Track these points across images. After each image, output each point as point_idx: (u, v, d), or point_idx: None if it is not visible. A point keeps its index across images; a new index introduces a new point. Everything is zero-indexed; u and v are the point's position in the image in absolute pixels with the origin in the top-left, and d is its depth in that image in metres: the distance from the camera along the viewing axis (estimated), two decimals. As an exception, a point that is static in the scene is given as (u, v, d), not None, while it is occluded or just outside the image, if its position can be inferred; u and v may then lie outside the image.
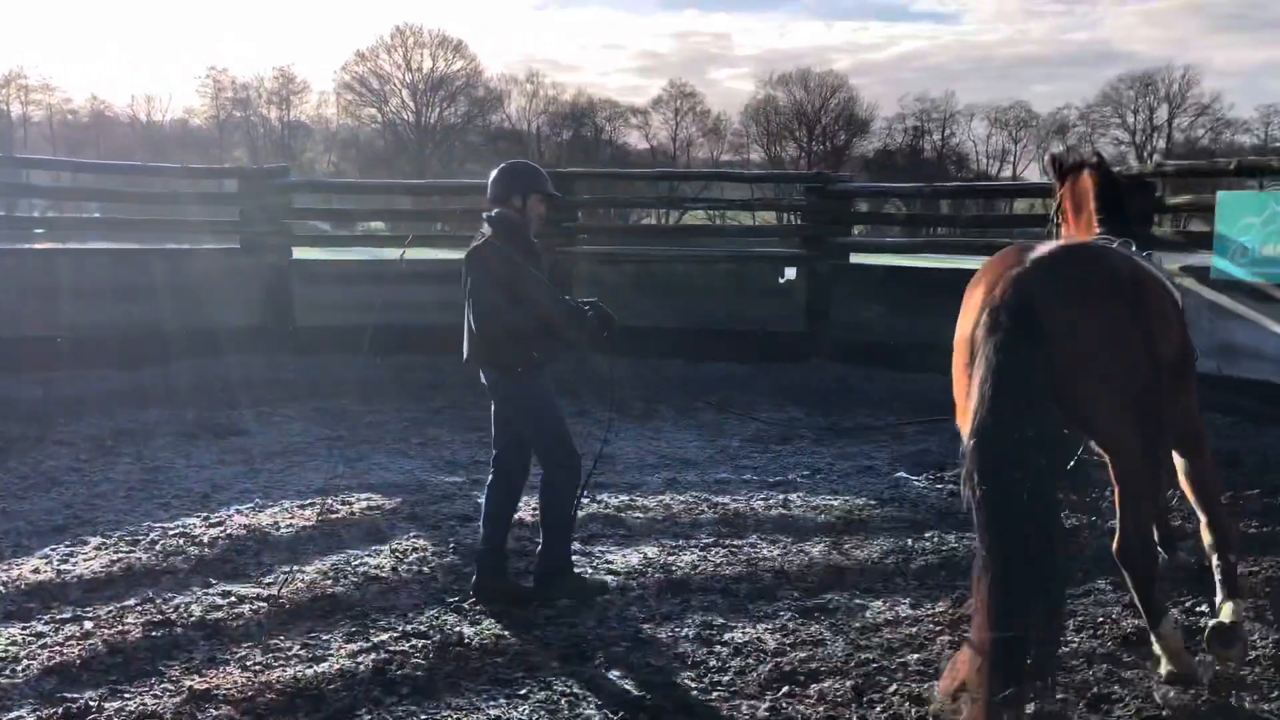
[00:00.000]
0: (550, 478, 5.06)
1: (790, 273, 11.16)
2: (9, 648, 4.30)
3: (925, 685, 4.04)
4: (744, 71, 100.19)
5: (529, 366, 4.99)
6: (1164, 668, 3.98)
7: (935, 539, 5.78)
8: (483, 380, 5.12)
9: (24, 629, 4.48)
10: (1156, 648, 4.01)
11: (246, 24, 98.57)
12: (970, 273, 12.41)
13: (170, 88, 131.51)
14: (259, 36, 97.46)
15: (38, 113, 66.69)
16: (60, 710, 3.78)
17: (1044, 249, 4.13)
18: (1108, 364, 3.81)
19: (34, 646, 4.31)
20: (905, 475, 7.07)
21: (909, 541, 5.74)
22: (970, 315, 4.03)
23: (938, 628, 4.61)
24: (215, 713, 3.79)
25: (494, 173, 5.21)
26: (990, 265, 4.21)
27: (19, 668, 4.13)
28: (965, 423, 3.84)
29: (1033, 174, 67.42)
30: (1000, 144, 69.28)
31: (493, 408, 5.17)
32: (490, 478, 5.17)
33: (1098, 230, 5.16)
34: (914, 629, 4.60)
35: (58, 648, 4.30)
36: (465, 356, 5.15)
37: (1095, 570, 5.24)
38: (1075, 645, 4.37)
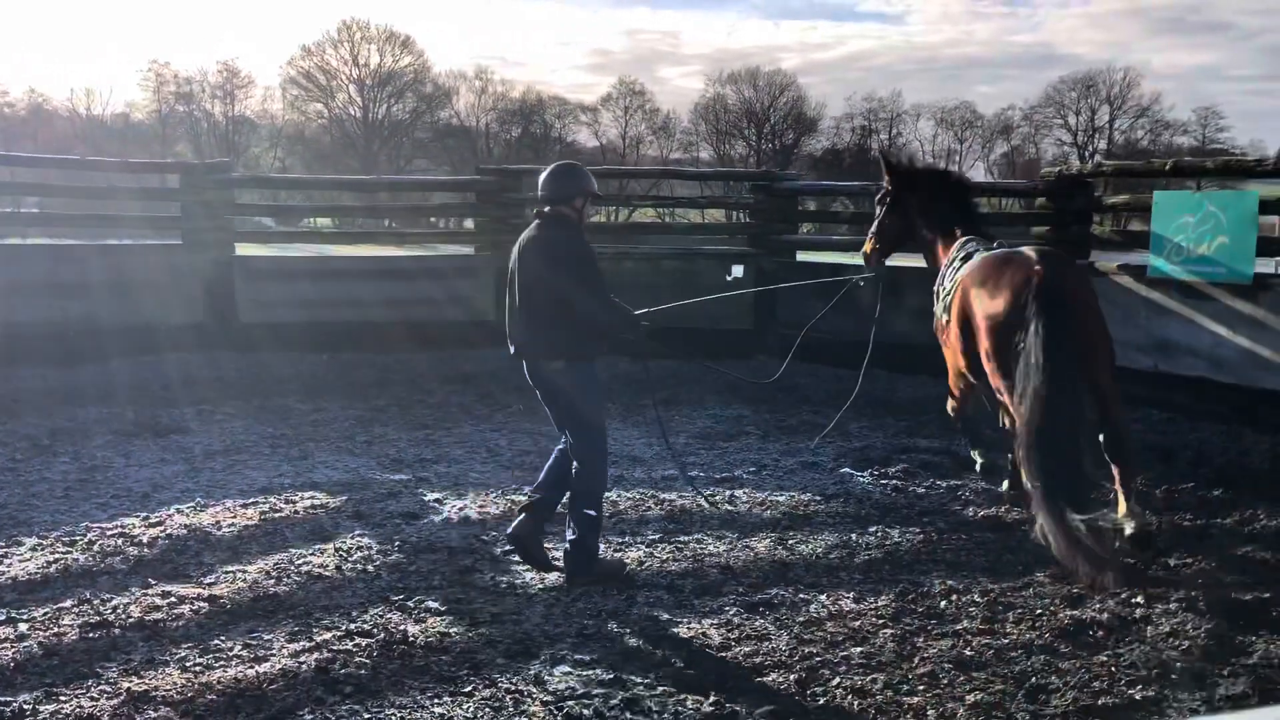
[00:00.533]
0: (591, 465, 5.22)
1: (737, 270, 11.21)
2: (-61, 651, 4.20)
3: (868, 678, 4.09)
4: (693, 70, 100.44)
5: (592, 356, 5.33)
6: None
7: (879, 534, 5.84)
8: (531, 370, 5.30)
9: (-45, 632, 4.39)
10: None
11: (189, 16, 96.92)
12: (917, 270, 12.53)
13: (111, 81, 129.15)
14: (202, 29, 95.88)
15: (-29, 105, 65.12)
16: (-7, 714, 3.71)
17: (1034, 250, 5.63)
18: (1105, 333, 5.54)
19: (-34, 649, 4.23)
20: (850, 471, 7.14)
21: (853, 536, 5.80)
22: (1001, 303, 5.42)
23: (880, 621, 4.66)
24: (154, 714, 3.74)
25: (553, 173, 5.44)
26: (993, 266, 5.64)
27: (-50, 671, 4.04)
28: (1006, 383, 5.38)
29: (978, 173, 68.36)
30: (946, 144, 70.13)
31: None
32: (560, 449, 5.37)
33: (959, 231, 6.55)
34: (857, 623, 4.65)
35: (-10, 651, 4.22)
36: (516, 348, 5.32)
37: (1035, 564, 5.33)
38: (1014, 637, 4.44)
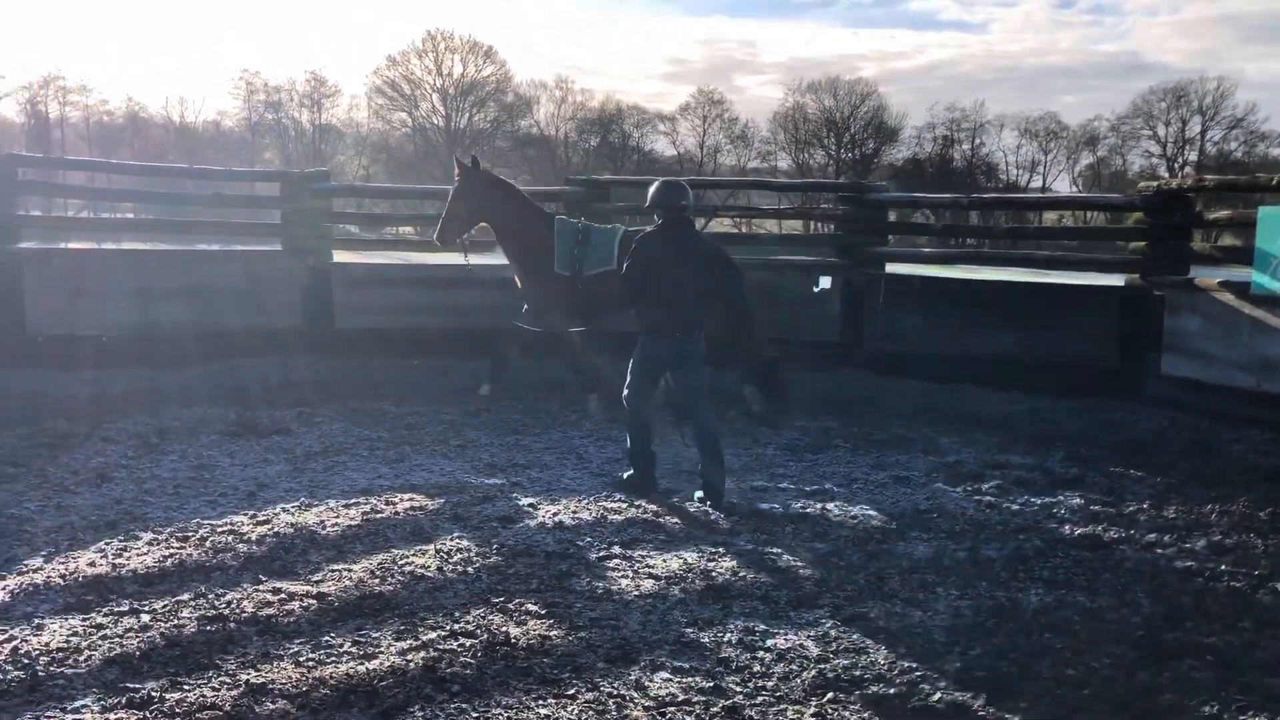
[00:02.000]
0: (706, 418, 6.82)
1: (825, 282, 11.20)
2: (71, 638, 4.41)
3: (969, 693, 4.09)
4: (770, 79, 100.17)
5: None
6: None
7: (973, 549, 5.81)
8: (669, 346, 6.72)
9: (84, 620, 4.60)
10: None
11: (280, 27, 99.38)
12: (1004, 284, 12.47)
13: (204, 90, 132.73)
14: (292, 39, 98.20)
15: (75, 114, 67.48)
16: (124, 700, 3.88)
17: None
18: None
19: (95, 638, 4.43)
20: (942, 486, 7.10)
21: (947, 552, 5.77)
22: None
23: (978, 637, 4.64)
24: (272, 706, 3.89)
25: (672, 185, 6.84)
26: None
27: (81, 658, 4.24)
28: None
29: (1063, 185, 67.15)
30: (1030, 155, 68.94)
31: (654, 369, 6.90)
32: (640, 423, 6.95)
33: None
34: (954, 638, 4.63)
35: (117, 639, 4.41)
36: (670, 328, 6.68)
37: (1134, 583, 5.26)
38: (1117, 655, 4.40)
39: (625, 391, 6.99)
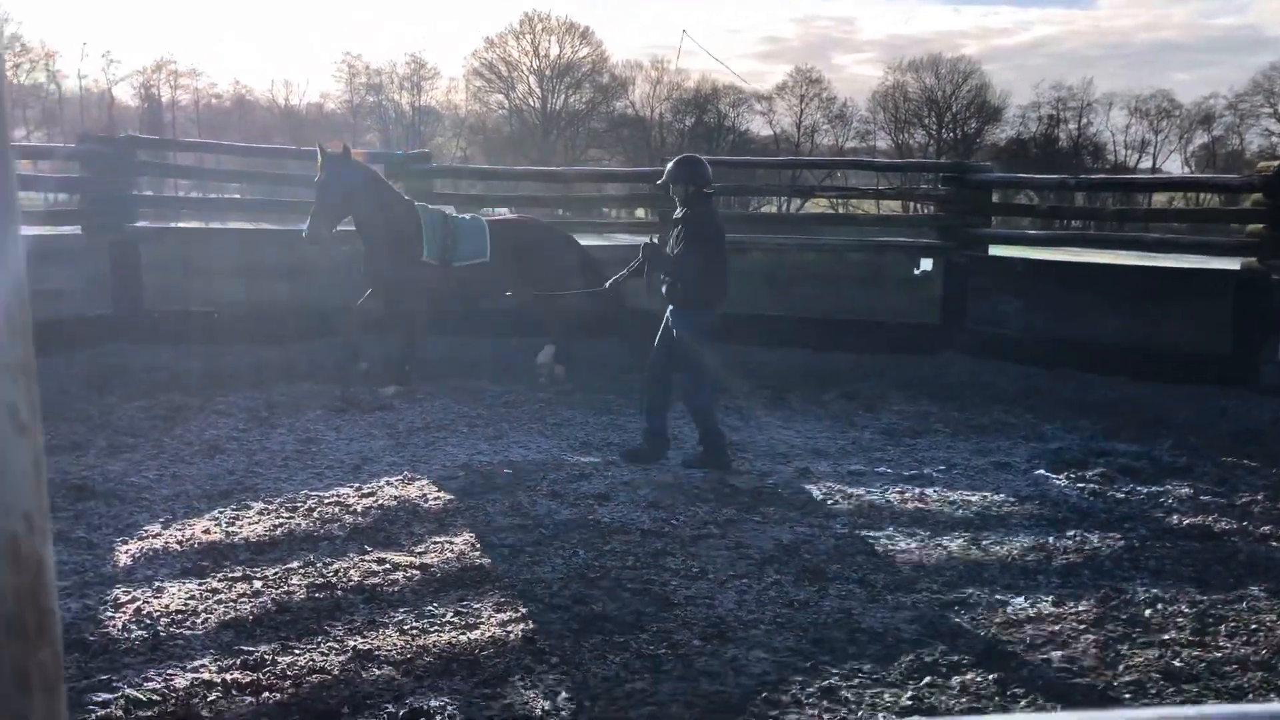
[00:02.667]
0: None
1: (926, 264, 11.02)
2: (188, 601, 4.60)
3: (1070, 683, 4.03)
4: (869, 57, 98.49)
5: None
6: None
7: (1077, 538, 5.69)
8: (709, 318, 6.96)
9: (200, 585, 4.79)
10: None
11: (382, 10, 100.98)
12: (1111, 267, 12.23)
13: (308, 73, 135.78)
14: (393, 22, 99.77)
15: (185, 97, 69.71)
16: (238, 661, 4.05)
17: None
18: None
19: (210, 601, 4.61)
20: (1045, 473, 6.96)
21: (1050, 540, 5.67)
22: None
23: (1081, 626, 4.56)
24: (378, 672, 4.01)
25: (697, 161, 7.00)
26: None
27: (198, 620, 4.43)
28: None
29: (1174, 166, 64.88)
30: (1140, 134, 66.76)
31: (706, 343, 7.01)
32: (663, 385, 7.13)
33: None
34: (1056, 626, 4.56)
35: (231, 604, 4.60)
36: (718, 300, 6.94)
37: (1248, 576, 5.11)
38: (1228, 651, 4.28)
39: (686, 385, 7.00)
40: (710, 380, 7.09)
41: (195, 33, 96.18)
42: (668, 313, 7.06)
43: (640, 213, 13.94)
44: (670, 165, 7.01)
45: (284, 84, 71.93)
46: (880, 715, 3.81)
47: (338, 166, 8.61)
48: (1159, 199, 42.53)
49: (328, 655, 4.13)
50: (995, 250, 11.12)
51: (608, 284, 8.13)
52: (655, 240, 7.25)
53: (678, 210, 6.98)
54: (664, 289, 6.94)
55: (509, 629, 4.41)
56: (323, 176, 8.58)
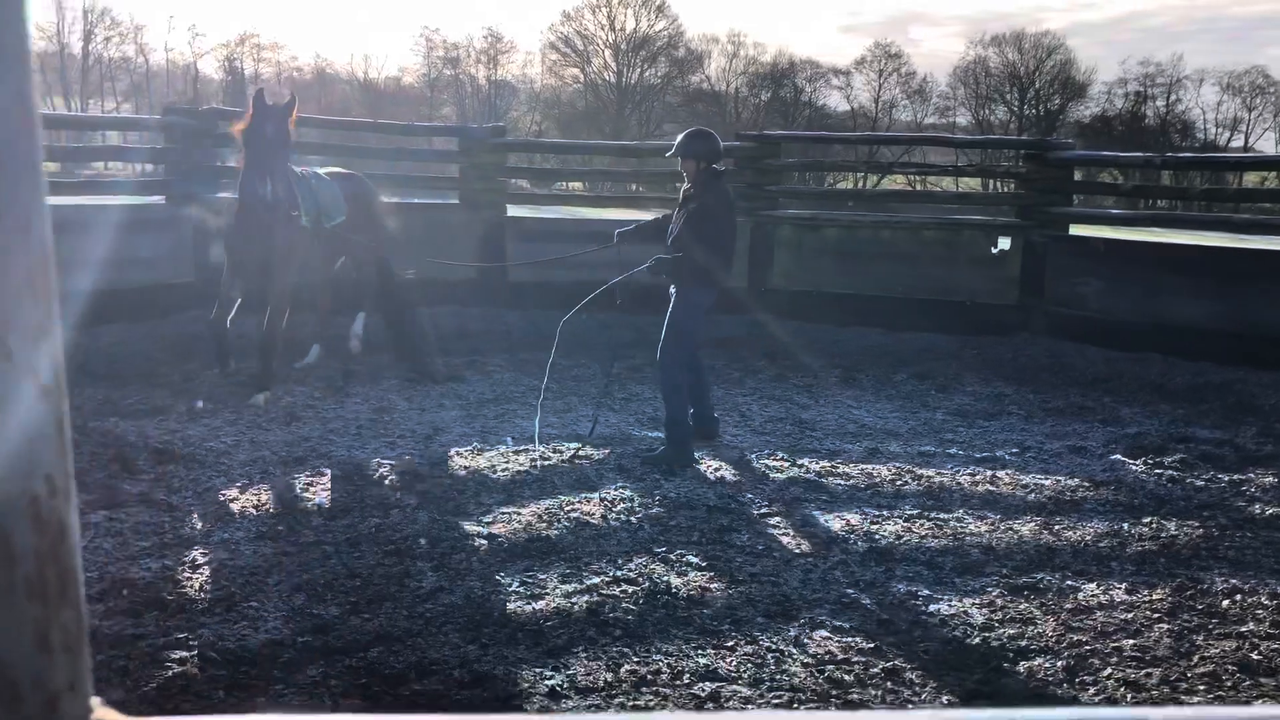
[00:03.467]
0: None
1: (1004, 242, 10.80)
2: (262, 564, 4.72)
3: (1142, 672, 3.95)
4: (950, 31, 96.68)
5: None
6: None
7: (1154, 525, 5.56)
8: (708, 297, 6.70)
9: (274, 549, 4.90)
10: None
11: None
12: (1197, 248, 11.81)
13: (386, 46, 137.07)
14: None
15: (267, 70, 70.83)
16: (309, 624, 4.14)
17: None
18: None
19: (285, 564, 4.72)
20: (1121, 458, 6.80)
21: (1125, 526, 5.55)
22: None
23: (1155, 615, 4.47)
24: (444, 638, 4.07)
25: (708, 135, 6.75)
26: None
27: (271, 583, 4.53)
28: None
29: (1268, 145, 62.74)
30: (1233, 111, 64.54)
31: (702, 322, 6.85)
32: (686, 374, 6.75)
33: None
34: (1130, 614, 4.47)
35: (304, 568, 4.70)
36: (718, 279, 6.68)
37: (1333, 569, 4.95)
38: None
39: (663, 354, 6.64)
40: (688, 361, 6.74)
41: (278, 5, 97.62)
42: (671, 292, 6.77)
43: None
44: (680, 138, 6.75)
45: (364, 58, 72.70)
46: (944, 698, 3.78)
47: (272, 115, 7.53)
48: (1250, 178, 41.25)
49: (396, 620, 4.21)
50: (1076, 229, 10.86)
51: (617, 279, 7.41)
52: (663, 257, 6.78)
53: (685, 185, 6.73)
54: (667, 265, 6.67)
55: (573, 600, 4.45)
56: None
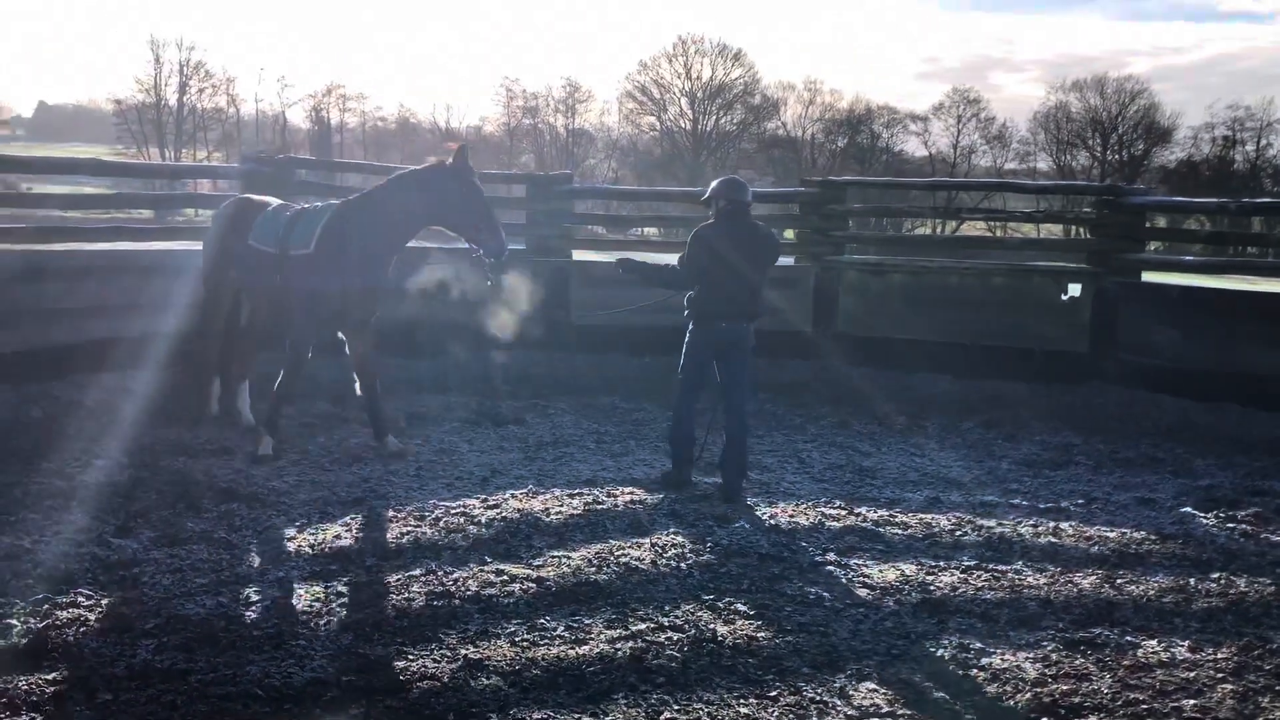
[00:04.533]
0: (742, 409, 6.87)
1: (1074, 289, 10.60)
2: (313, 603, 4.79)
3: (1201, 734, 3.80)
4: (1030, 76, 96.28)
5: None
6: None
7: (1222, 580, 5.38)
8: (722, 334, 6.77)
9: (326, 588, 4.98)
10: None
11: (540, 36, 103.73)
12: (1276, 296, 11.44)
13: (468, 96, 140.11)
14: (551, 48, 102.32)
15: (353, 120, 72.89)
16: (354, 663, 4.18)
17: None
18: None
19: (334, 604, 4.79)
20: (1192, 511, 6.59)
21: (1191, 581, 5.37)
22: None
23: (1219, 674, 4.31)
24: (486, 681, 4.08)
25: (731, 180, 7.14)
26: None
27: (321, 622, 4.60)
28: None
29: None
30: (1324, 155, 62.71)
31: (707, 356, 6.87)
32: (687, 404, 6.93)
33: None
34: (1192, 673, 4.32)
35: (353, 607, 4.76)
36: (726, 313, 6.74)
37: None
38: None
39: (679, 383, 7.03)
40: (689, 393, 6.95)
41: (364, 58, 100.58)
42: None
43: (789, 234, 13.84)
44: (713, 183, 7.02)
45: (445, 107, 74.35)
46: (990, 756, 3.68)
47: None
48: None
49: (440, 662, 4.23)
50: (1150, 276, 10.62)
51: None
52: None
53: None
54: (632, 266, 7.15)
55: (617, 646, 4.43)
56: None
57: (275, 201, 8.06)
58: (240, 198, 8.36)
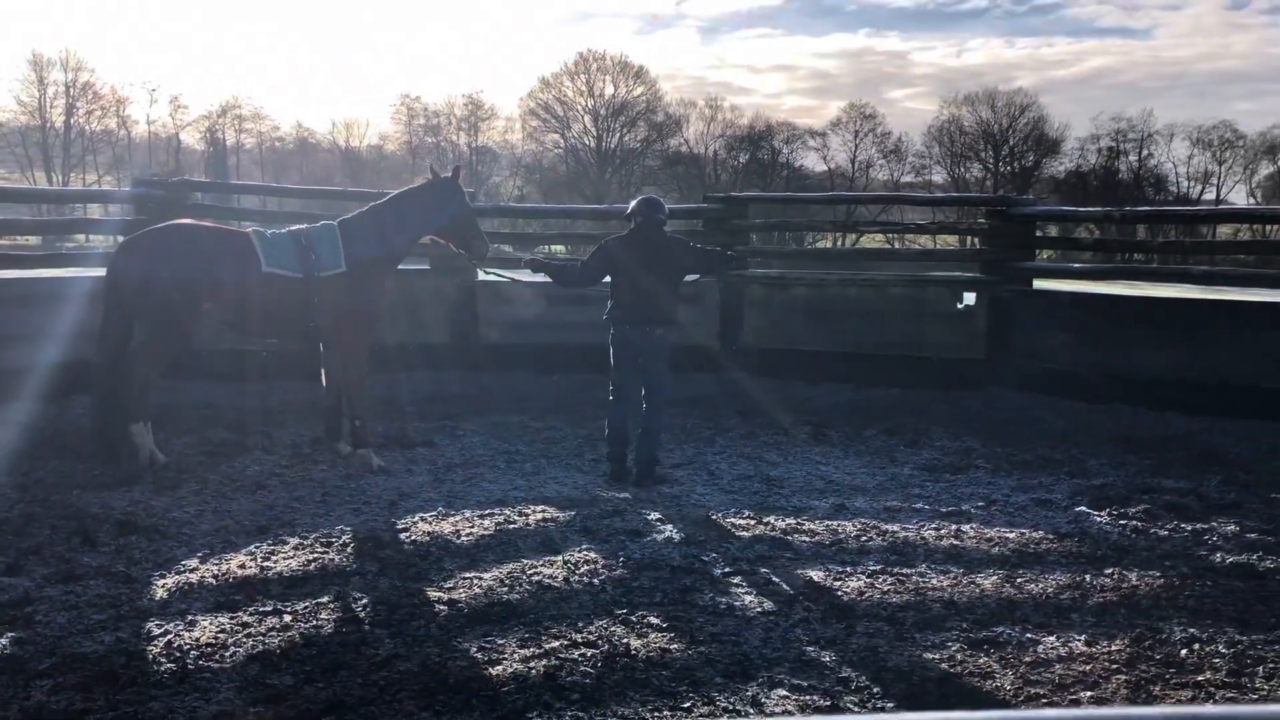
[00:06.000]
0: (666, 400, 7.65)
1: (969, 298, 10.93)
2: (218, 635, 4.68)
3: (1098, 725, 3.94)
4: (921, 91, 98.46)
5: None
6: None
7: (1115, 576, 5.58)
8: (633, 337, 7.41)
9: (231, 619, 4.86)
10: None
11: (439, 53, 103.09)
12: (1159, 300, 11.93)
13: (368, 114, 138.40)
14: (450, 65, 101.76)
15: (249, 140, 71.40)
16: (263, 694, 4.10)
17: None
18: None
19: (240, 635, 4.68)
20: (1086, 510, 6.84)
21: (1087, 578, 5.56)
22: None
23: (1114, 666, 4.47)
24: (399, 705, 4.03)
25: (647, 198, 7.81)
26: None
27: (226, 654, 4.49)
28: None
29: (1239, 197, 63.69)
30: (1203, 166, 65.66)
31: (626, 358, 7.51)
32: (616, 403, 7.58)
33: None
34: (1088, 666, 4.47)
35: (260, 637, 4.66)
36: (628, 318, 7.39)
37: (1291, 617, 4.97)
38: (1264, 693, 4.17)
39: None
40: (614, 393, 7.62)
41: (260, 76, 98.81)
42: None
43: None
44: (633, 201, 7.85)
45: (344, 126, 73.09)
46: (899, 755, 3.76)
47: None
48: (1224, 230, 41.76)
49: (350, 688, 4.17)
50: (1041, 284, 10.99)
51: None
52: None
53: None
54: (537, 264, 8.12)
55: (531, 665, 4.42)
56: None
57: (209, 224, 8.03)
58: (180, 224, 7.87)
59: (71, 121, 64.05)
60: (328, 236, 7.74)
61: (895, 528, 6.45)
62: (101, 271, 10.89)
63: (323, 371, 8.20)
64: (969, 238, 12.97)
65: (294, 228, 7.96)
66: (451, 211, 8.04)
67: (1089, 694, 4.20)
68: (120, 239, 11.08)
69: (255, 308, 7.64)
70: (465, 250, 8.33)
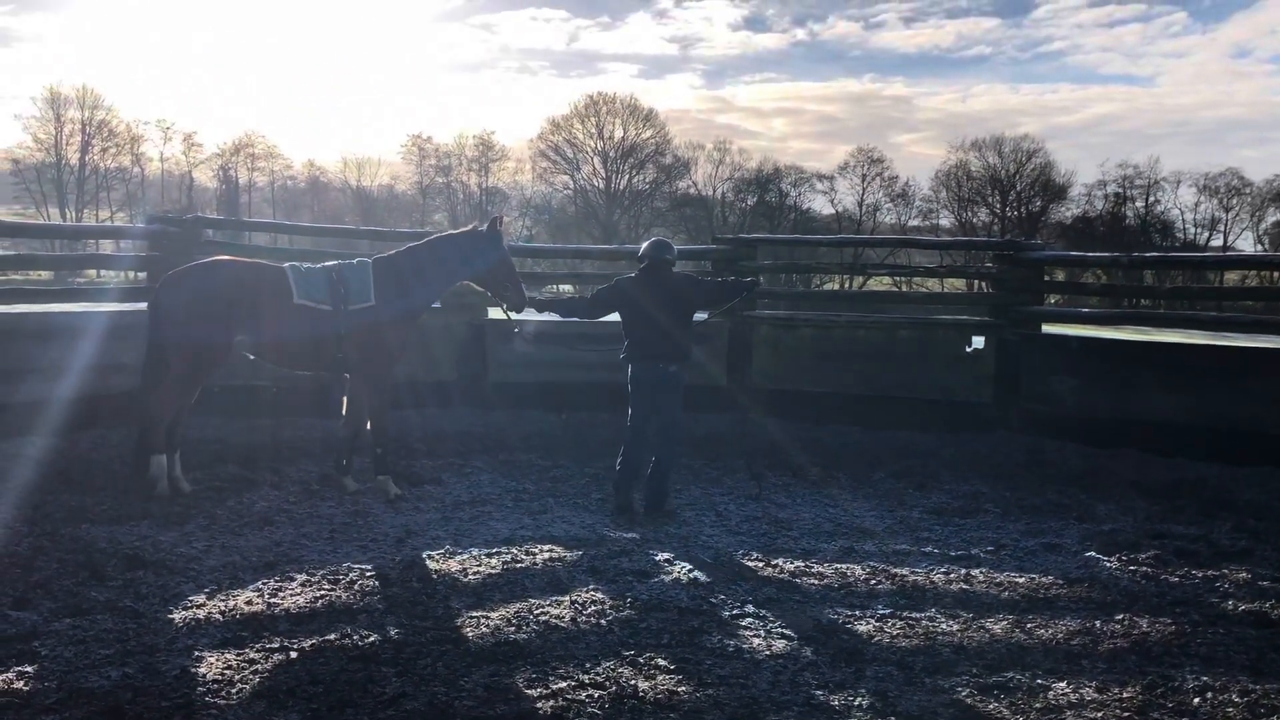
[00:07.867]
0: (677, 437, 7.74)
1: (978, 341, 10.93)
2: (225, 671, 4.66)
3: (1110, 773, 3.90)
4: (926, 136, 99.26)
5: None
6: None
7: (1125, 622, 5.54)
8: (644, 374, 7.62)
9: (238, 655, 4.85)
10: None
11: (451, 95, 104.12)
12: (1170, 345, 11.90)
13: (379, 154, 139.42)
14: (461, 106, 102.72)
15: (261, 178, 72.00)
16: (268, 732, 4.08)
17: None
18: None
19: (246, 672, 4.66)
20: (1096, 555, 6.80)
21: (1098, 624, 5.52)
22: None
23: (1125, 713, 4.43)
24: (404, 745, 4.01)
25: (656, 241, 8.04)
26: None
27: (232, 690, 4.47)
28: None
29: (1246, 244, 63.79)
30: (1210, 212, 65.83)
31: (640, 394, 7.70)
32: (634, 443, 7.73)
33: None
34: (1099, 714, 4.44)
35: (267, 674, 4.64)
36: (640, 355, 7.61)
37: (1304, 665, 4.92)
38: None
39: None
40: (630, 428, 7.79)
41: (273, 113, 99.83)
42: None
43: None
44: (644, 244, 8.09)
45: (356, 165, 73.63)
46: (909, 802, 3.72)
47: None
48: (1231, 277, 41.77)
49: (356, 728, 4.15)
50: (1050, 328, 11.00)
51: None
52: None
53: None
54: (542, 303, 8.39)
55: (538, 705, 4.40)
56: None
57: (245, 260, 8.23)
58: (216, 260, 8.14)
59: (86, 158, 64.69)
60: (359, 272, 7.94)
61: (904, 571, 6.42)
62: (115, 307, 10.97)
63: (344, 400, 8.25)
64: (977, 282, 13.00)
65: (328, 264, 8.12)
66: (491, 259, 8.16)
67: (1101, 741, 4.16)
68: (138, 274, 11.18)
69: (285, 338, 7.82)
70: (499, 299, 8.43)
